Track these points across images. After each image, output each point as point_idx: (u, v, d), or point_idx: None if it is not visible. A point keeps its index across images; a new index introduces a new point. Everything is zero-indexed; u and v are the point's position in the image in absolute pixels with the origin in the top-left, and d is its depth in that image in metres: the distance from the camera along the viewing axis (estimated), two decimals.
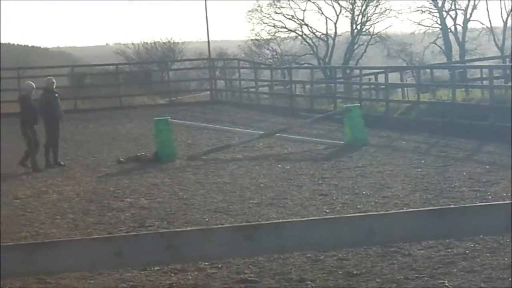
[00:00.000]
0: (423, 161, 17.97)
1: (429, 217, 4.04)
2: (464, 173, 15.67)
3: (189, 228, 11.21)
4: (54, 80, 20.17)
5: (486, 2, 57.05)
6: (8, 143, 22.29)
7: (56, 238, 11.69)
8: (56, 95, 19.84)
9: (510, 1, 56.48)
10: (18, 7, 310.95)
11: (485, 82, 27.63)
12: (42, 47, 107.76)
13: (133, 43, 59.68)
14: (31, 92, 19.67)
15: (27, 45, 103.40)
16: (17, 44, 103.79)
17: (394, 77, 34.36)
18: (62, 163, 19.40)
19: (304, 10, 63.27)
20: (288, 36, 64.38)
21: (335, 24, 63.38)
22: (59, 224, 12.85)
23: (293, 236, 3.85)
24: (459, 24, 58.98)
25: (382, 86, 30.24)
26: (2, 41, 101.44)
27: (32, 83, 20.12)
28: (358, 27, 63.44)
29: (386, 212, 6.18)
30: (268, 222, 7.52)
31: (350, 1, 63.06)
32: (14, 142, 22.25)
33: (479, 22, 59.11)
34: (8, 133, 22.54)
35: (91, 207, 14.15)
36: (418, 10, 60.82)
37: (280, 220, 6.08)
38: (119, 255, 3.78)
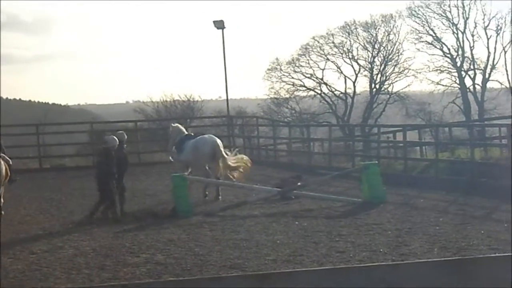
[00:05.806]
0: (441, 219, 17.84)
1: (444, 267, 3.98)
2: (483, 232, 15.51)
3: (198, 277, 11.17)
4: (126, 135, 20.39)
5: (505, 62, 57.22)
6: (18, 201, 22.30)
7: None
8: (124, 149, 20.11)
9: None
10: (40, 64, 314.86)
11: (504, 141, 27.57)
12: (62, 104, 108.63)
13: (152, 101, 59.86)
14: (114, 147, 19.62)
15: (48, 103, 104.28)
16: (38, 102, 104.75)
17: (412, 136, 34.36)
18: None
19: (323, 69, 63.76)
20: (307, 95, 64.67)
21: (354, 83, 63.75)
22: (74, 279, 12.78)
23: (305, 285, 3.79)
24: (478, 84, 59.13)
25: (401, 144, 30.20)
26: (23, 99, 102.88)
27: (116, 138, 19.96)
28: (377, 86, 63.66)
29: (400, 262, 6.06)
30: (279, 271, 7.37)
31: (369, 60, 63.43)
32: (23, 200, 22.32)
33: (498, 81, 59.27)
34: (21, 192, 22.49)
35: (106, 262, 14.08)
36: (437, 70, 61.10)
37: (292, 270, 5.97)
38: None
